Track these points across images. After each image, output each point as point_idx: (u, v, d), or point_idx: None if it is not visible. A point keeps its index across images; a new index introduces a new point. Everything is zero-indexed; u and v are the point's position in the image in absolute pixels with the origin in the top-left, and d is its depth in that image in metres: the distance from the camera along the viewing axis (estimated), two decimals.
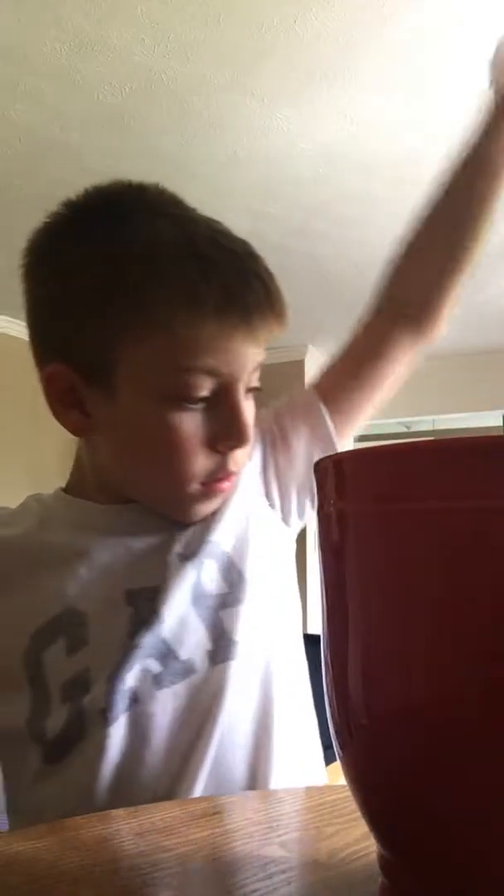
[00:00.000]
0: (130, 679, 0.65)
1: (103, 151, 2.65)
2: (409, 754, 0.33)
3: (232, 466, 0.67)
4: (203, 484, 0.66)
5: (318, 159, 2.72)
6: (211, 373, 0.63)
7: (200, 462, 0.65)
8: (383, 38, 2.07)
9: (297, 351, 4.86)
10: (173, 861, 0.40)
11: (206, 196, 2.96)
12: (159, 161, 2.72)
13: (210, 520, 0.72)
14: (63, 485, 0.80)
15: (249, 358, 0.65)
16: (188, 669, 0.66)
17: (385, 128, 2.52)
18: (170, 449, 0.65)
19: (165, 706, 0.65)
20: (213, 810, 0.49)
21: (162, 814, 0.49)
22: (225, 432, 0.65)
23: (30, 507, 0.77)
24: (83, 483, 0.76)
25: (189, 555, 0.70)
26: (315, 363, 4.97)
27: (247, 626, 0.69)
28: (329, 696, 0.38)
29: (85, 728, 0.63)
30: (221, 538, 0.72)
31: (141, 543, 0.71)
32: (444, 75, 2.24)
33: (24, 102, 2.36)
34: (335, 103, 2.38)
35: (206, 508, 0.70)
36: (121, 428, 0.66)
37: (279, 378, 4.96)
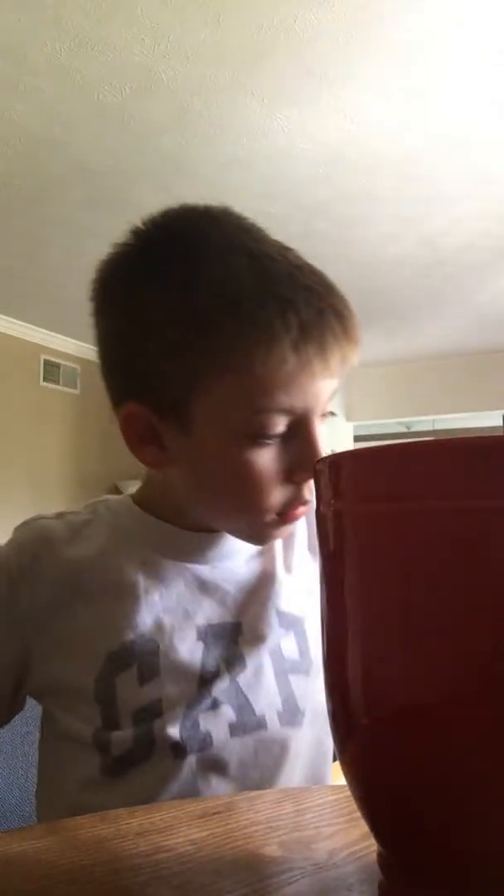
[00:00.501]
0: (207, 721, 0.66)
1: (103, 151, 2.65)
2: (409, 754, 0.33)
3: (307, 495, 0.67)
4: (279, 514, 0.67)
5: (318, 159, 2.72)
6: (287, 411, 0.63)
7: (277, 494, 0.65)
8: (383, 38, 2.07)
9: None
10: (173, 861, 0.40)
11: (205, 196, 2.94)
12: (159, 161, 2.72)
13: (289, 587, 0.74)
14: (108, 491, 0.81)
15: (325, 391, 0.66)
16: (260, 725, 0.68)
17: (385, 128, 2.52)
18: (246, 483, 0.65)
19: (233, 754, 0.66)
20: (213, 810, 0.49)
21: (162, 814, 0.49)
22: (300, 464, 0.65)
23: (101, 517, 0.75)
24: (157, 501, 0.74)
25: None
26: None
27: (311, 696, 0.71)
28: (329, 696, 0.38)
29: (153, 754, 0.65)
30: (299, 608, 0.74)
31: (219, 576, 0.72)
32: (444, 75, 2.24)
33: (24, 102, 2.36)
34: (335, 103, 2.38)
35: (282, 534, 0.72)
36: (197, 462, 0.67)
37: None
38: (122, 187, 2.87)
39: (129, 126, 2.50)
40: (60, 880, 0.39)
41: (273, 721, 0.68)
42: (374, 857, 0.38)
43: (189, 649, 0.68)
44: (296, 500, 0.66)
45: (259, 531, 0.69)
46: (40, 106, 2.38)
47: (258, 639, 0.71)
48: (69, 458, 4.70)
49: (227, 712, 0.67)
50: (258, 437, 0.63)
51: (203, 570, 0.72)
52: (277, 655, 0.71)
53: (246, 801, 0.55)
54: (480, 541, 0.30)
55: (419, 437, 5.66)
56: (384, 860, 0.37)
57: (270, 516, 0.66)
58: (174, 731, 0.65)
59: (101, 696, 0.66)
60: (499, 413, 5.39)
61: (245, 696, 0.68)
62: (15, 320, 4.39)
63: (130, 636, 0.68)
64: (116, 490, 4.57)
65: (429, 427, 5.84)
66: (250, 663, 0.69)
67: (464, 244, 3.46)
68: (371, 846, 0.39)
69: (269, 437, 0.64)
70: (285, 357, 0.61)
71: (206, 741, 0.66)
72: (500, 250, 3.54)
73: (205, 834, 0.45)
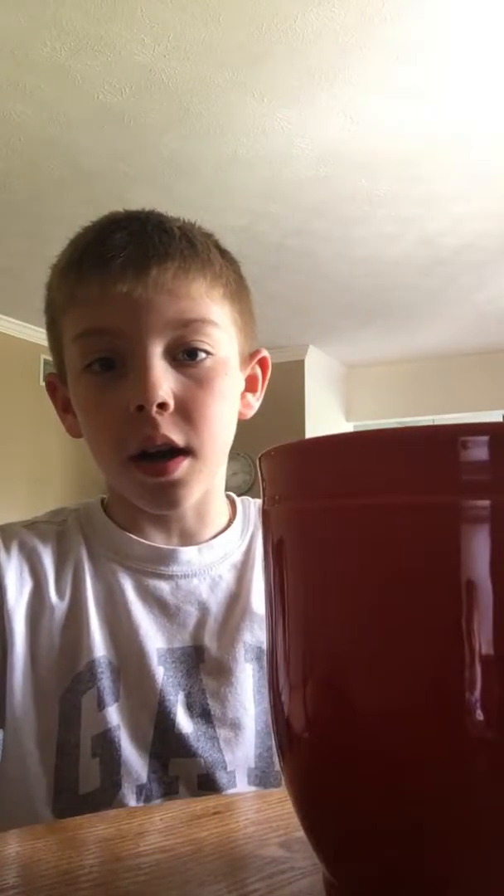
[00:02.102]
0: (177, 769, 0.64)
1: (103, 151, 2.65)
2: (347, 765, 0.30)
3: (149, 430, 0.62)
4: (137, 461, 0.63)
5: (318, 159, 2.72)
6: (99, 332, 0.64)
7: (120, 430, 0.63)
8: (383, 37, 2.07)
9: (298, 351, 4.86)
10: (173, 861, 0.41)
11: (205, 196, 2.97)
12: (159, 160, 2.72)
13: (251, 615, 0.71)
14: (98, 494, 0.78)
15: (139, 311, 0.62)
16: (231, 784, 0.65)
17: (385, 127, 2.52)
18: (88, 418, 0.67)
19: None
20: (213, 810, 0.49)
21: (162, 814, 0.49)
22: (131, 390, 0.62)
23: (70, 528, 0.73)
24: (113, 501, 0.74)
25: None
26: (315, 363, 4.97)
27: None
28: (271, 705, 0.36)
29: (120, 794, 0.63)
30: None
31: (181, 597, 0.69)
32: (444, 75, 2.24)
33: (24, 102, 2.36)
34: (335, 103, 2.38)
35: (167, 495, 0.65)
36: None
37: (279, 377, 4.99)
38: (122, 187, 2.87)
39: (128, 126, 2.50)
40: (60, 880, 0.39)
41: (244, 782, 0.65)
42: None
43: (149, 674, 0.66)
44: (141, 436, 0.62)
45: (128, 483, 0.66)
46: (40, 106, 2.38)
47: (221, 670, 0.67)
48: (70, 459, 4.69)
49: (200, 765, 0.64)
50: (86, 367, 0.64)
51: (164, 588, 0.69)
52: (241, 690, 0.67)
53: (246, 801, 0.55)
54: (419, 538, 0.28)
55: None
56: (328, 883, 0.34)
57: (122, 457, 0.63)
58: (141, 774, 0.63)
59: (65, 717, 0.65)
60: (499, 413, 5.38)
61: (218, 748, 0.65)
62: (15, 320, 4.39)
63: (92, 656, 0.66)
64: None
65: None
66: (214, 699, 0.66)
67: (464, 244, 3.46)
68: None
69: (94, 363, 0.64)
70: (72, 278, 0.65)
71: (174, 789, 0.64)
72: (500, 250, 3.54)
73: (205, 834, 0.45)
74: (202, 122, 2.49)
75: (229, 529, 0.74)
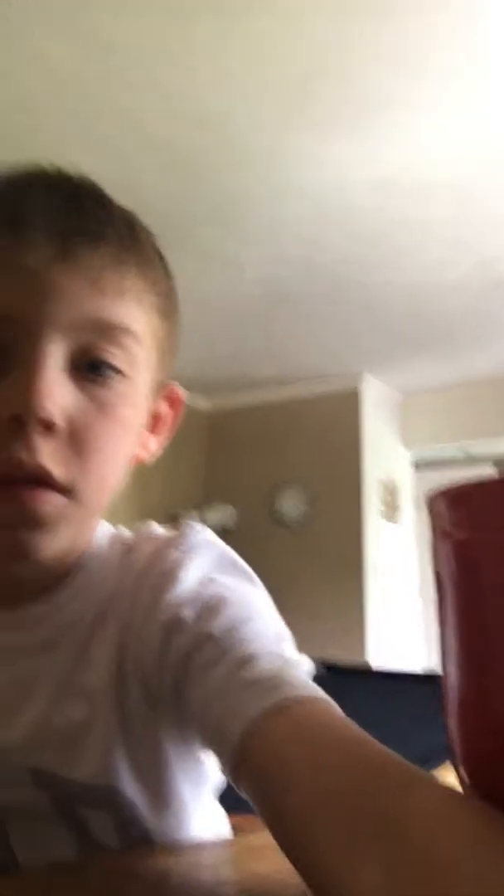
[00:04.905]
0: None
1: (164, 190, 2.71)
2: None
3: (21, 451, 0.45)
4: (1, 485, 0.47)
5: (372, 187, 2.73)
6: None
7: None
8: (437, 63, 2.08)
9: (353, 379, 4.84)
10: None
11: (260, 225, 3.01)
12: (219, 193, 2.77)
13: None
14: None
15: (46, 294, 0.47)
16: None
17: (439, 154, 2.52)
18: None
19: None
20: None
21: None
22: (9, 391, 0.46)
23: None
24: None
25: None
26: (371, 390, 4.94)
27: None
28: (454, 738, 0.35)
29: None
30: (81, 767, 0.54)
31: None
32: (499, 100, 2.23)
33: (92, 151, 2.44)
34: (388, 131, 2.39)
35: (21, 538, 0.48)
36: None
37: (334, 406, 4.91)
38: (184, 225, 2.93)
39: (187, 162, 2.56)
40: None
41: None
42: None
43: None
44: (4, 456, 0.45)
45: None
46: (105, 150, 2.46)
47: None
48: (130, 486, 4.73)
49: None
50: None
51: None
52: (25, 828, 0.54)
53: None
54: None
55: (478, 462, 5.55)
56: None
57: None
58: None
59: None
60: None
61: None
62: None
63: None
64: (174, 520, 4.59)
65: (488, 451, 5.72)
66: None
67: None
68: None
69: None
70: None
71: None
72: None
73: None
74: (259, 157, 2.53)
75: (65, 588, 0.55)
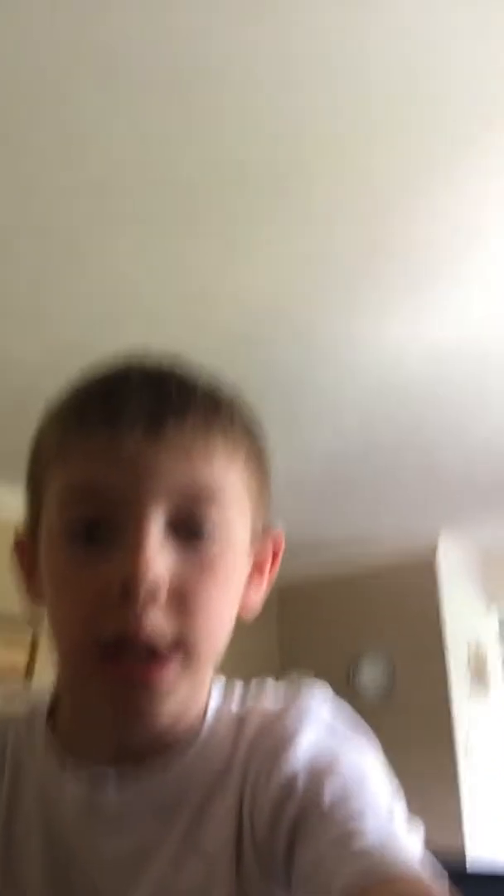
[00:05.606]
0: None
1: (231, 371, 2.87)
2: None
3: (132, 618, 0.49)
4: (109, 656, 0.50)
5: (430, 359, 2.86)
6: (91, 491, 0.52)
7: (93, 609, 0.50)
8: (488, 243, 2.25)
9: (428, 540, 4.76)
10: None
11: (322, 402, 3.16)
12: (283, 374, 2.95)
13: None
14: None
15: (144, 472, 0.51)
16: None
17: (492, 328, 2.66)
18: (57, 591, 0.53)
19: None
20: None
21: None
22: (117, 565, 0.50)
23: (8, 725, 0.62)
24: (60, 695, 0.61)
25: None
26: (448, 550, 4.83)
27: None
28: None
29: None
30: None
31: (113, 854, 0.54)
32: None
33: (163, 335, 2.67)
34: (444, 307, 2.55)
35: (138, 705, 0.51)
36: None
37: (410, 570, 4.78)
38: (252, 403, 3.10)
39: (254, 350, 2.76)
40: None
41: None
42: None
43: None
44: (118, 624, 0.49)
45: (89, 682, 0.52)
46: (177, 337, 2.69)
47: None
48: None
49: None
50: (67, 531, 0.52)
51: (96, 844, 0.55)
52: None
53: None
54: None
55: None
56: None
57: (89, 645, 0.50)
58: None
59: None
60: None
61: None
62: None
63: None
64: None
65: None
66: None
67: None
68: None
69: (77, 528, 0.52)
70: (67, 425, 0.55)
71: None
72: None
73: None
74: (322, 341, 2.71)
75: (184, 756, 0.56)
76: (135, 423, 0.52)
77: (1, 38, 1.60)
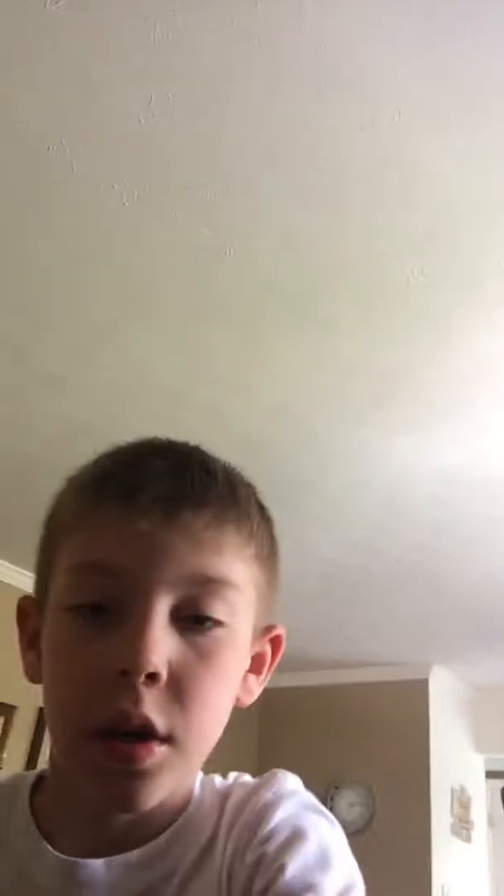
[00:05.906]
0: None
1: (243, 469, 2.93)
2: None
3: (127, 704, 0.49)
4: (100, 738, 0.49)
5: (437, 481, 2.88)
6: (102, 568, 0.52)
7: (90, 690, 0.50)
8: (494, 383, 2.31)
9: (421, 669, 4.63)
10: None
11: (328, 513, 3.16)
12: (287, 483, 2.97)
13: None
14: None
15: (156, 555, 0.52)
16: None
17: (500, 458, 2.69)
18: (56, 667, 0.53)
19: None
20: None
21: None
22: (119, 646, 0.49)
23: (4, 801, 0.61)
24: (51, 775, 0.60)
25: None
26: (440, 683, 4.69)
27: None
28: None
29: None
30: None
31: None
32: None
33: (176, 434, 2.71)
34: (454, 433, 2.59)
35: (127, 788, 0.50)
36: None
37: (401, 697, 4.63)
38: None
39: (262, 454, 2.79)
40: None
41: None
42: None
43: None
44: (113, 709, 0.49)
45: (80, 762, 0.51)
46: (187, 437, 2.73)
47: None
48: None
49: None
50: (73, 607, 0.52)
51: None
52: None
53: None
54: None
55: None
56: None
57: (82, 727, 0.50)
58: None
59: None
60: None
61: None
62: None
63: None
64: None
65: None
66: None
67: None
68: None
69: (82, 604, 0.52)
70: (83, 498, 0.55)
71: None
72: None
73: None
74: (331, 451, 2.75)
75: (168, 834, 0.56)
76: (152, 505, 0.52)
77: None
